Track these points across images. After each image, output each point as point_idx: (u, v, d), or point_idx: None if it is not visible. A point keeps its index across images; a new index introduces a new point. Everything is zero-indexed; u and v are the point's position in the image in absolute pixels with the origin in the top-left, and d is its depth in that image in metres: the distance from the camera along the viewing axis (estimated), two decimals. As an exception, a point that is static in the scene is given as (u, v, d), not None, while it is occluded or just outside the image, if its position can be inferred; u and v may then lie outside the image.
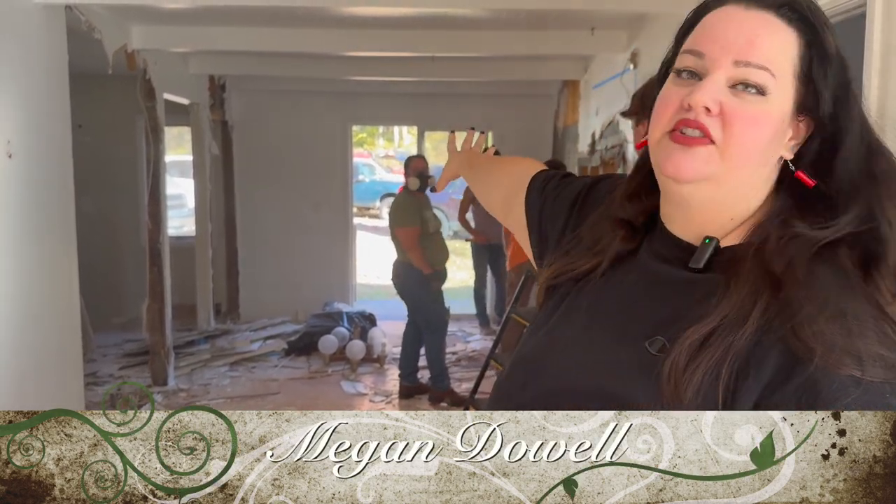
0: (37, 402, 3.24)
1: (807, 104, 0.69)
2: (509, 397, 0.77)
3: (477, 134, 1.31)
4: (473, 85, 6.63)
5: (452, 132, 1.33)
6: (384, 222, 4.97)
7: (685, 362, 0.64)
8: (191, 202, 7.18)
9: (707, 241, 0.71)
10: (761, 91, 0.67)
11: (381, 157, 17.95)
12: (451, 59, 5.66)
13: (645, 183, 0.79)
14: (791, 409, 0.59)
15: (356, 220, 7.90)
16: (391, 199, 4.94)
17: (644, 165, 0.79)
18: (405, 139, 18.32)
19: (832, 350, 0.59)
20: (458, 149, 1.29)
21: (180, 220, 9.06)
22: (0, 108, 2.99)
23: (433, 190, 1.35)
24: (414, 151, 7.98)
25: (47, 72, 3.36)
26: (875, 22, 1.88)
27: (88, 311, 5.24)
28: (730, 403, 0.62)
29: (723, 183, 0.70)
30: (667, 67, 0.76)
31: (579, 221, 0.88)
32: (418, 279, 4.55)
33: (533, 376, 0.77)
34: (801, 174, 0.70)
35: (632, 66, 4.32)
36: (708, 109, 0.67)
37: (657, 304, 0.72)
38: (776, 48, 0.68)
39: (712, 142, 0.68)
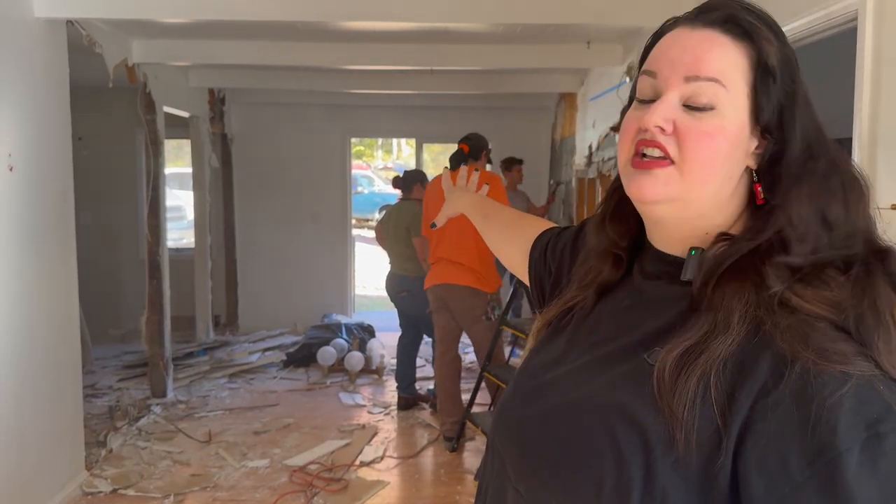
0: (35, 414, 3.24)
1: (757, 115, 0.70)
2: (511, 415, 0.79)
3: (475, 174, 1.41)
4: (471, 98, 6.67)
5: (446, 168, 1.42)
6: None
7: (672, 374, 0.64)
8: (190, 214, 7.20)
9: (693, 252, 0.72)
10: (713, 104, 0.69)
11: (379, 168, 17.99)
12: (449, 73, 5.70)
13: (623, 204, 0.81)
14: (786, 408, 0.59)
15: (355, 232, 7.92)
16: (396, 211, 4.92)
17: (619, 187, 0.80)
18: (404, 151, 18.37)
19: (818, 350, 0.61)
20: (456, 186, 1.38)
21: (179, 232, 9.08)
22: (1, 121, 3.01)
23: (433, 226, 1.41)
24: (412, 163, 8.01)
25: (48, 85, 3.39)
26: (866, 36, 1.90)
27: (87, 322, 5.25)
28: (727, 408, 0.62)
29: (689, 201, 0.71)
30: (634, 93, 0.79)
31: (573, 264, 0.92)
32: None
33: (534, 394, 0.78)
34: (757, 187, 0.72)
35: (627, 79, 4.36)
36: (662, 129, 0.70)
37: (652, 317, 0.73)
38: (725, 61, 0.69)
39: (672, 162, 0.70)
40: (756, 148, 0.71)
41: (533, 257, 1.05)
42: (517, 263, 1.13)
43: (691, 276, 0.71)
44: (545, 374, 0.79)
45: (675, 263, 0.74)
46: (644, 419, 0.65)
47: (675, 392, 0.63)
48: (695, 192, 0.71)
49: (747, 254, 0.68)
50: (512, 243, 1.16)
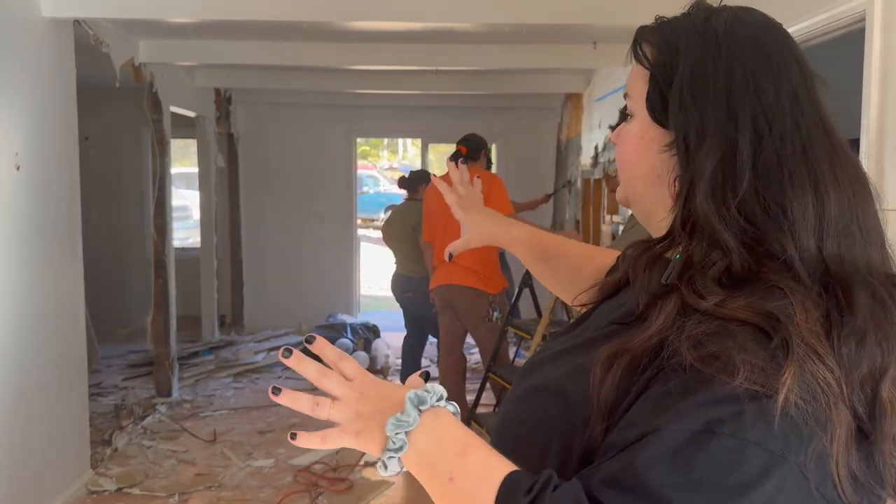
0: (41, 413, 3.25)
1: (651, 114, 0.73)
2: (506, 397, 0.85)
3: (477, 181, 1.21)
4: (477, 98, 6.67)
5: (436, 176, 1.34)
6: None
7: (601, 376, 0.66)
8: (196, 214, 7.22)
9: (678, 256, 0.71)
10: (629, 114, 0.77)
11: (384, 168, 18.00)
12: (454, 73, 5.70)
13: None
14: (657, 397, 0.60)
15: (360, 232, 7.92)
16: (402, 211, 4.92)
17: None
18: (409, 151, 18.38)
19: (704, 355, 0.60)
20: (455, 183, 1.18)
21: (185, 231, 9.10)
22: (8, 121, 3.02)
23: (450, 258, 1.16)
24: (418, 164, 8.01)
25: (55, 85, 3.40)
26: (874, 37, 1.89)
27: (93, 321, 5.26)
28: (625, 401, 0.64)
29: (633, 203, 0.79)
30: None
31: None
32: None
33: (523, 378, 0.82)
34: (674, 182, 0.71)
35: (634, 80, 4.34)
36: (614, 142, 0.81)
37: (629, 315, 0.74)
38: (634, 74, 0.76)
39: None
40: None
41: None
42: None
43: (668, 280, 0.70)
44: (533, 358, 0.86)
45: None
46: (582, 409, 0.68)
47: (601, 394, 0.65)
48: (629, 192, 0.78)
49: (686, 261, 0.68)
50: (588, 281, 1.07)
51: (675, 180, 0.70)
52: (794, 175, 0.65)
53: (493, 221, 1.16)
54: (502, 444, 0.75)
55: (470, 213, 1.16)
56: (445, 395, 0.68)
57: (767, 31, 0.71)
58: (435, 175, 1.31)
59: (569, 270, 1.11)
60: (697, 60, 0.69)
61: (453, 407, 0.69)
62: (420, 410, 0.66)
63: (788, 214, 0.64)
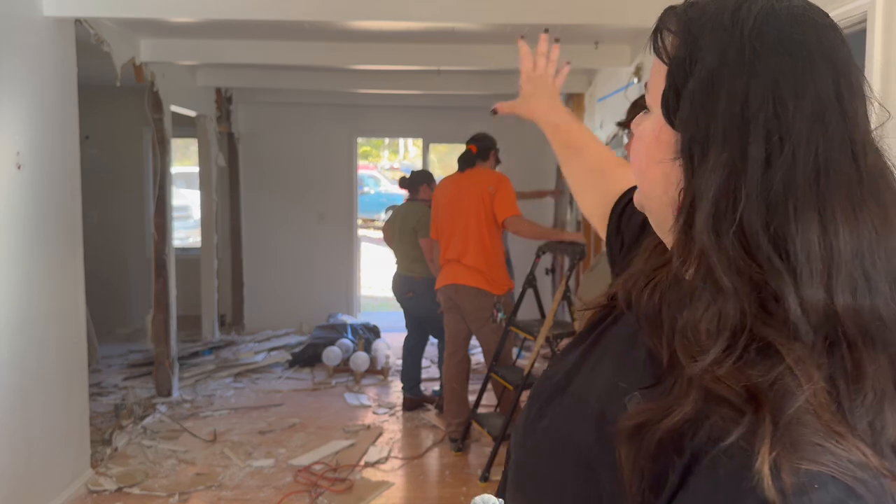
0: (42, 412, 3.25)
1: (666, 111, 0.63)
2: (524, 425, 0.75)
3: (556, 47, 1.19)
4: (478, 98, 6.66)
5: (522, 37, 1.22)
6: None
7: (628, 440, 0.57)
8: (197, 213, 7.22)
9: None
10: (648, 107, 0.66)
11: (385, 169, 18.01)
12: (456, 73, 5.69)
13: None
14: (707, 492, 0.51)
15: (361, 232, 7.92)
16: (403, 212, 4.91)
17: None
18: (410, 151, 18.38)
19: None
20: (538, 74, 1.20)
21: (186, 231, 9.10)
22: (10, 120, 3.02)
23: (494, 112, 1.21)
24: (419, 164, 8.01)
25: (57, 84, 3.40)
26: (875, 38, 1.89)
27: (94, 321, 5.27)
28: (665, 479, 0.54)
29: (648, 209, 0.68)
30: None
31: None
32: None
33: (543, 408, 0.74)
34: (679, 196, 0.61)
35: (636, 80, 4.35)
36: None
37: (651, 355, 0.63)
38: (654, 67, 0.66)
39: None
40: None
41: (613, 218, 0.93)
42: (594, 214, 1.01)
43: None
44: (552, 392, 0.75)
45: None
46: (602, 473, 0.61)
47: (627, 476, 0.57)
48: (643, 197, 0.68)
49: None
50: (594, 191, 1.03)
51: (679, 193, 0.60)
52: (799, 206, 0.54)
53: (544, 98, 1.19)
54: (524, 495, 0.70)
55: (530, 84, 1.21)
56: None
57: (802, 29, 0.59)
58: (522, 39, 1.29)
59: (584, 166, 1.09)
60: (716, 58, 0.58)
61: None
62: None
63: (791, 254, 0.54)
